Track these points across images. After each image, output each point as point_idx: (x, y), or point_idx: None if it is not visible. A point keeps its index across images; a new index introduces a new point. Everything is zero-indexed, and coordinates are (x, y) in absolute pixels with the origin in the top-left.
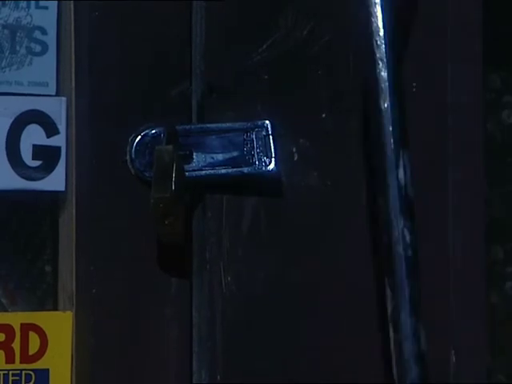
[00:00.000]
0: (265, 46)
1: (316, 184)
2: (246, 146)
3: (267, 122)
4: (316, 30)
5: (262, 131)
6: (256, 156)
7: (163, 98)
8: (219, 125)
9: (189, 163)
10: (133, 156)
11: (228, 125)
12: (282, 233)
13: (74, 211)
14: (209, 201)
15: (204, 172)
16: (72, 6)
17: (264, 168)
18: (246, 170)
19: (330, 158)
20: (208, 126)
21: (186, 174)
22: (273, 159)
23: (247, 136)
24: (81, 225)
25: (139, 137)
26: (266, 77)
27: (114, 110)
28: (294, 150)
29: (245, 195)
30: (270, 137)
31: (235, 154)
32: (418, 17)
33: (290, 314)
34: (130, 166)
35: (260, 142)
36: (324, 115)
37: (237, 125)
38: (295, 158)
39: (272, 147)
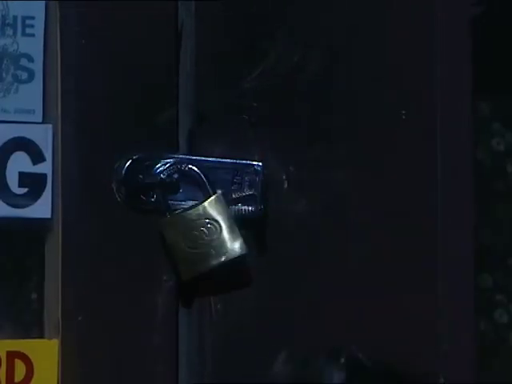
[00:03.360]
0: (254, 75)
1: (305, 211)
2: (234, 185)
3: (260, 163)
4: (306, 57)
5: (252, 173)
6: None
7: (150, 125)
8: (209, 159)
9: (175, 193)
10: (119, 183)
11: (219, 161)
12: (270, 261)
13: (60, 238)
14: None
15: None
16: (58, 33)
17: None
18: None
19: (320, 185)
20: (197, 159)
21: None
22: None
23: (237, 174)
24: (67, 252)
25: (125, 164)
26: (256, 104)
27: (100, 138)
28: (284, 177)
29: None
30: (261, 178)
31: (223, 191)
32: (408, 42)
33: (278, 344)
34: (117, 193)
35: (248, 183)
36: (314, 143)
37: (228, 162)
38: (285, 186)
39: (260, 190)
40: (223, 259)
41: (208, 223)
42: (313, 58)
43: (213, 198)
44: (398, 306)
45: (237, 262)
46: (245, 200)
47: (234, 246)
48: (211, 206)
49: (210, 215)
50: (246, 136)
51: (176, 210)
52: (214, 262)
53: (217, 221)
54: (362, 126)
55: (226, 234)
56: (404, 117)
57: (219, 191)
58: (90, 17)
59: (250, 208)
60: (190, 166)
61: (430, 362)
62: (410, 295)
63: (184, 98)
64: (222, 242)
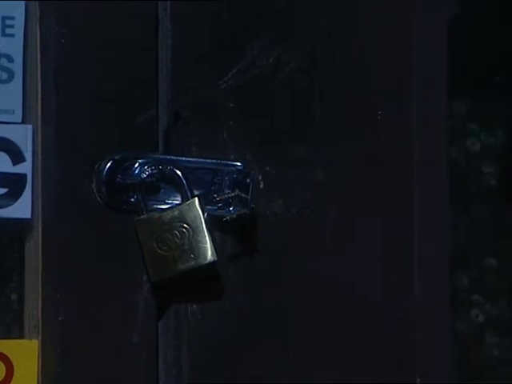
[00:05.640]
0: (230, 74)
1: (281, 212)
2: (214, 185)
3: (241, 164)
4: (282, 57)
5: (233, 173)
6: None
7: (130, 125)
8: (190, 160)
9: (156, 194)
10: (99, 183)
11: (200, 160)
12: (247, 262)
13: (40, 239)
14: None
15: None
16: (38, 33)
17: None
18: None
19: (296, 186)
20: (178, 159)
21: (152, 205)
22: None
23: (217, 174)
24: (47, 252)
25: (105, 164)
26: (232, 105)
27: (80, 138)
28: (260, 177)
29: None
30: (245, 179)
31: (202, 191)
32: (386, 43)
33: (255, 345)
34: (97, 194)
35: (228, 183)
36: (290, 143)
37: (209, 162)
38: (261, 186)
39: (244, 190)
40: (192, 264)
41: (181, 227)
42: (291, 59)
43: (190, 201)
44: (374, 305)
45: (207, 268)
46: (226, 201)
47: (205, 252)
48: (187, 210)
49: (185, 219)
50: (223, 136)
51: (154, 210)
52: (182, 267)
53: (190, 225)
54: (338, 126)
55: (197, 239)
56: (380, 117)
57: (198, 194)
58: (69, 17)
59: (232, 209)
60: (170, 167)
61: (406, 362)
62: (387, 295)
63: (161, 98)
64: (192, 247)
